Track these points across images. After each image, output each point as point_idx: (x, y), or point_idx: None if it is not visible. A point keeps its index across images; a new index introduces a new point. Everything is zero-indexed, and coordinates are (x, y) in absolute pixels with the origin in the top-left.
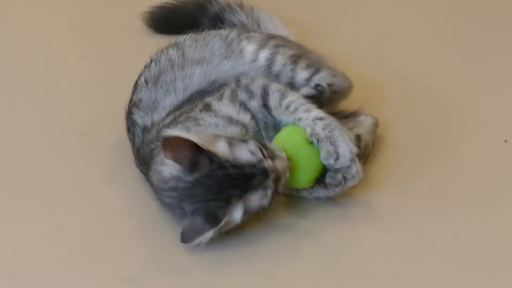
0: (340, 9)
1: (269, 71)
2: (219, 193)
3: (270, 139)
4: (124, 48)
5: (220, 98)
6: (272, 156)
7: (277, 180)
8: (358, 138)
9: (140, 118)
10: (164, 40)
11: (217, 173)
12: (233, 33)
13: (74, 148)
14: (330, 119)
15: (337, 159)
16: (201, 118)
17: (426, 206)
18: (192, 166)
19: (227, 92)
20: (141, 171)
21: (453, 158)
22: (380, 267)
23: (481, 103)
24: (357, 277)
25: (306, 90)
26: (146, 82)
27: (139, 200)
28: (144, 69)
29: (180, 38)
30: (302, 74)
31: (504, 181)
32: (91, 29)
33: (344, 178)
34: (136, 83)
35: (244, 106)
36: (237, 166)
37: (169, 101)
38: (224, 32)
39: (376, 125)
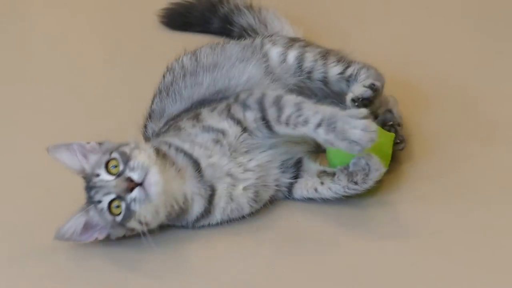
0: (358, 10)
1: (300, 69)
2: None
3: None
4: (146, 50)
5: (212, 110)
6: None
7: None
8: (390, 112)
9: (151, 129)
10: (184, 40)
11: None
12: (257, 39)
13: None
14: (327, 115)
15: (357, 145)
16: (184, 128)
17: (448, 209)
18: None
19: (221, 106)
20: None
21: (476, 161)
22: (404, 272)
23: (507, 106)
24: (380, 282)
25: (362, 91)
26: (159, 92)
27: None
28: (161, 79)
29: (198, 46)
30: (334, 69)
31: None
32: (111, 31)
33: (368, 164)
34: (154, 95)
35: (233, 119)
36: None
37: (174, 110)
38: (246, 41)
39: (396, 101)
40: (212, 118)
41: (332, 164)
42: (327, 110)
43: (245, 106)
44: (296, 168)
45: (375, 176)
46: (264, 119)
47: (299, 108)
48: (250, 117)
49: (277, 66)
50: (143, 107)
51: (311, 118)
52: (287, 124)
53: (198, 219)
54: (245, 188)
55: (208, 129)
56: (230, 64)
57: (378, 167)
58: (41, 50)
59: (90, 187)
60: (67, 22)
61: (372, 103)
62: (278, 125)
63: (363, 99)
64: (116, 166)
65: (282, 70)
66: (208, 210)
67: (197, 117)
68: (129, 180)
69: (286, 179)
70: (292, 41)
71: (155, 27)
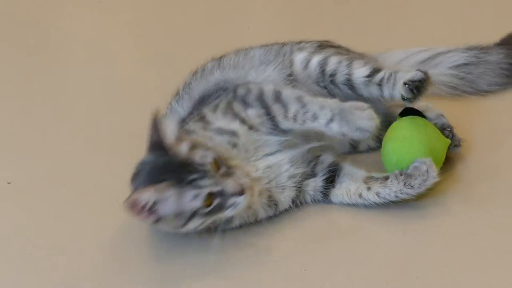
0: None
1: (322, 73)
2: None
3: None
4: (180, 52)
5: (215, 109)
6: (229, 174)
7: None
8: (442, 116)
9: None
10: (220, 46)
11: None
12: (287, 46)
13: (130, 151)
14: (336, 110)
15: (367, 132)
16: (194, 131)
17: (486, 213)
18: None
19: (222, 104)
20: None
21: None
22: (438, 274)
23: None
24: (414, 284)
25: (413, 74)
26: (177, 92)
27: None
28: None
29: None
30: (360, 71)
31: None
32: (147, 33)
33: (427, 171)
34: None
35: (238, 118)
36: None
37: (181, 110)
38: (274, 45)
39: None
40: (219, 119)
41: (392, 167)
42: (331, 104)
43: (245, 104)
44: (329, 172)
45: (430, 183)
46: (269, 114)
47: (303, 103)
48: (253, 114)
49: (299, 72)
50: None
51: (320, 114)
52: (295, 120)
53: (221, 224)
54: (259, 192)
55: (220, 131)
56: (251, 65)
57: (435, 175)
58: (76, 50)
59: (189, 169)
60: (101, 21)
61: (424, 88)
62: (285, 121)
63: (415, 81)
64: None
65: (304, 76)
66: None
67: (203, 119)
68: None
69: (319, 184)
70: (320, 47)
71: (197, 31)
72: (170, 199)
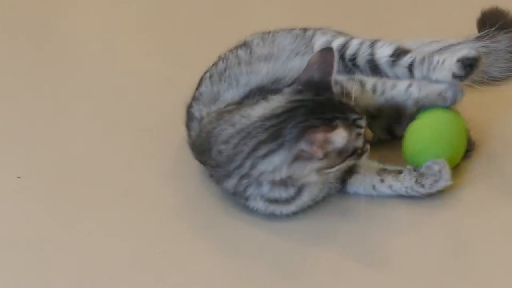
0: None
1: (342, 57)
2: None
3: None
4: (189, 45)
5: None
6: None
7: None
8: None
9: (198, 111)
10: (230, 39)
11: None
12: (310, 31)
13: (139, 145)
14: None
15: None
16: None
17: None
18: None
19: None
20: (201, 162)
21: None
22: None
23: None
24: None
25: (466, 51)
26: (210, 77)
27: (204, 198)
28: (211, 66)
29: (248, 37)
30: (383, 50)
31: None
32: (157, 26)
33: (440, 172)
34: (201, 78)
35: None
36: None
37: (229, 95)
38: (296, 30)
39: None
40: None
41: (411, 156)
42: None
43: None
44: None
45: (442, 185)
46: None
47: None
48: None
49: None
50: (188, 98)
51: (397, 82)
52: (374, 91)
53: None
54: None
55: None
56: (286, 57)
57: (448, 178)
58: (85, 43)
59: (348, 109)
60: (111, 14)
61: (477, 67)
62: (362, 95)
63: (470, 58)
64: None
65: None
66: None
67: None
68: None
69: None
70: (341, 33)
71: (205, 24)
72: (342, 136)
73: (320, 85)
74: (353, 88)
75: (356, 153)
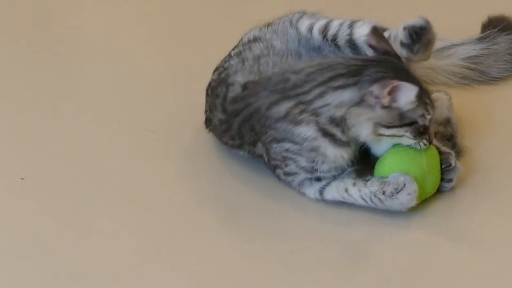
0: None
1: (325, 38)
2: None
3: None
4: (191, 45)
5: None
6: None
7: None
8: (448, 122)
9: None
10: (230, 41)
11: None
12: (297, 15)
13: (144, 146)
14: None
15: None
16: None
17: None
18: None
19: None
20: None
21: None
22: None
23: None
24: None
25: (415, 20)
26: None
27: (210, 199)
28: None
29: (256, 33)
30: (361, 29)
31: None
32: (158, 26)
33: (405, 185)
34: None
35: None
36: None
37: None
38: (290, 17)
39: (450, 99)
40: None
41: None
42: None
43: None
44: None
45: (403, 198)
46: None
47: None
48: None
49: (304, 41)
50: (192, 98)
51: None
52: None
53: None
54: None
55: None
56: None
57: (411, 194)
58: (88, 44)
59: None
60: (113, 15)
61: (424, 37)
62: None
63: (416, 26)
64: None
65: (309, 45)
66: None
67: None
68: None
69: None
70: (323, 16)
71: (207, 25)
72: (412, 93)
73: (395, 55)
74: None
75: (415, 128)
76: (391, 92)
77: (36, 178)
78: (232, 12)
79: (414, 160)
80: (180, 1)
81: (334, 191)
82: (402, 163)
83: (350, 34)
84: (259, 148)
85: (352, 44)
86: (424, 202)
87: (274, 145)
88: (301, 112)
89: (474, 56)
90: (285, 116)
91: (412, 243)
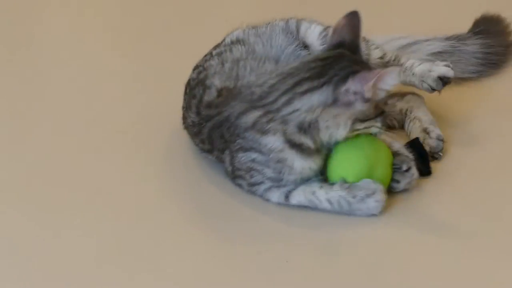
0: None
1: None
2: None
3: None
4: (161, 45)
5: None
6: None
7: None
8: (425, 131)
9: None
10: (201, 40)
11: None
12: (292, 21)
13: (115, 147)
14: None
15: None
16: None
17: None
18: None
19: None
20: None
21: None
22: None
23: None
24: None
25: (445, 70)
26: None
27: (178, 200)
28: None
29: (239, 34)
30: (375, 52)
31: None
32: (126, 27)
33: (374, 191)
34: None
35: None
36: None
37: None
38: (282, 23)
39: (424, 101)
40: None
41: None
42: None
43: None
44: None
45: (370, 204)
46: None
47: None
48: None
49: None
50: (163, 99)
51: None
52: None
53: None
54: None
55: None
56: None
57: (379, 202)
58: (58, 48)
59: None
60: (83, 21)
61: (450, 83)
62: None
63: (449, 77)
64: None
65: (294, 54)
66: None
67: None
68: None
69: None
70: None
71: (177, 26)
72: (394, 77)
73: (350, 47)
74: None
75: (383, 116)
76: (375, 83)
77: (5, 180)
78: (201, 12)
79: (362, 152)
80: (148, 4)
81: (301, 195)
82: (350, 156)
83: (368, 55)
84: (226, 156)
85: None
86: (389, 201)
87: (240, 154)
88: (269, 121)
89: (438, 52)
90: (253, 126)
91: (379, 243)
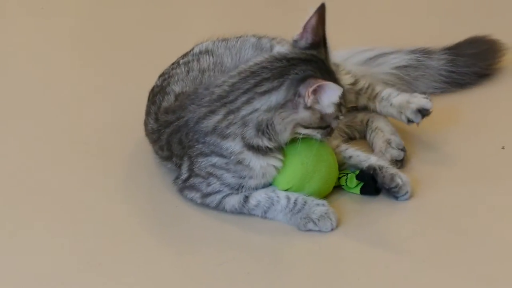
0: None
1: None
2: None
3: None
4: (122, 57)
5: None
6: None
7: None
8: (388, 142)
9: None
10: (163, 51)
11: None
12: (266, 39)
13: (76, 158)
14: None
15: None
16: None
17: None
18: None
19: None
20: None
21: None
22: (379, 275)
23: None
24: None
25: (424, 102)
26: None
27: (141, 210)
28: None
29: (209, 45)
30: (346, 78)
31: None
32: (88, 37)
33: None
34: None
35: None
36: None
37: None
38: (253, 39)
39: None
40: None
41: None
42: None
43: None
44: None
45: (324, 223)
46: None
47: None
48: None
49: None
50: (124, 110)
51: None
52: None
53: None
54: None
55: None
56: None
57: (331, 225)
58: (19, 56)
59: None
60: (44, 27)
61: (428, 115)
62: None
63: (426, 110)
64: None
65: None
66: None
67: None
68: None
69: None
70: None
71: (129, 30)
72: (336, 92)
73: (319, 43)
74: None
75: (327, 131)
76: (315, 92)
77: None
78: (161, 23)
79: (297, 159)
80: (110, 13)
81: (261, 193)
82: (288, 162)
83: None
84: (184, 162)
85: None
86: (350, 211)
87: (200, 159)
88: (229, 125)
89: (403, 66)
90: (213, 130)
91: (339, 254)
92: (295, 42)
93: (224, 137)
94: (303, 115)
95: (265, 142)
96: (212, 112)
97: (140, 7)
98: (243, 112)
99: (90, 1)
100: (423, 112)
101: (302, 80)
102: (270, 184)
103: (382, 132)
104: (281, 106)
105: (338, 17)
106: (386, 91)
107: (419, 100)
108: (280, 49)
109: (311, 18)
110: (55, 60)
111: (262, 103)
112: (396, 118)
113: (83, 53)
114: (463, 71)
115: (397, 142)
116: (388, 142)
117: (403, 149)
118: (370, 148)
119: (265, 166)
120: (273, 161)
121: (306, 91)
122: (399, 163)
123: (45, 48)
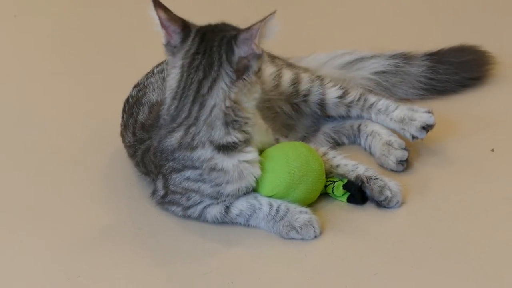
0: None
1: (296, 92)
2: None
3: None
4: (97, 65)
5: None
6: None
7: None
8: (388, 143)
9: None
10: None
11: None
12: None
13: (52, 169)
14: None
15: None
16: None
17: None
18: None
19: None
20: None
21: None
22: (367, 282)
23: None
24: None
25: (427, 117)
26: None
27: (121, 222)
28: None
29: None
30: (332, 91)
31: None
32: (63, 45)
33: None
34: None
35: None
36: None
37: None
38: None
39: None
40: None
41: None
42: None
43: None
44: None
45: (306, 232)
46: None
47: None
48: None
49: (272, 89)
50: (102, 120)
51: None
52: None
53: None
54: None
55: None
56: None
57: (313, 234)
58: None
59: None
60: (17, 36)
61: (431, 130)
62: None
63: (430, 126)
64: None
65: (276, 94)
66: None
67: None
68: None
69: None
70: (278, 62)
71: (105, 39)
72: (275, 23)
73: (186, 25)
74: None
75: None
76: (259, 35)
77: None
78: (137, 32)
79: (285, 168)
80: (85, 23)
81: (243, 201)
82: (276, 167)
83: (323, 94)
84: (159, 181)
85: (322, 103)
86: (337, 217)
87: (174, 176)
88: (194, 136)
89: (382, 71)
90: (179, 146)
91: (326, 262)
92: (170, 46)
93: (193, 148)
94: (259, 65)
95: (233, 137)
96: (172, 131)
97: (118, 13)
98: (203, 116)
99: (64, 8)
100: (427, 128)
101: (231, 49)
102: (252, 190)
103: (379, 135)
104: (234, 82)
105: (324, 17)
106: (382, 103)
107: (422, 117)
108: (176, 60)
109: (158, 16)
110: (29, 70)
111: (215, 97)
112: (397, 132)
113: (57, 62)
114: (443, 78)
115: (399, 142)
116: (389, 144)
117: (406, 148)
118: (365, 154)
119: (237, 164)
120: (243, 156)
121: (252, 44)
122: (404, 163)
123: (19, 57)
